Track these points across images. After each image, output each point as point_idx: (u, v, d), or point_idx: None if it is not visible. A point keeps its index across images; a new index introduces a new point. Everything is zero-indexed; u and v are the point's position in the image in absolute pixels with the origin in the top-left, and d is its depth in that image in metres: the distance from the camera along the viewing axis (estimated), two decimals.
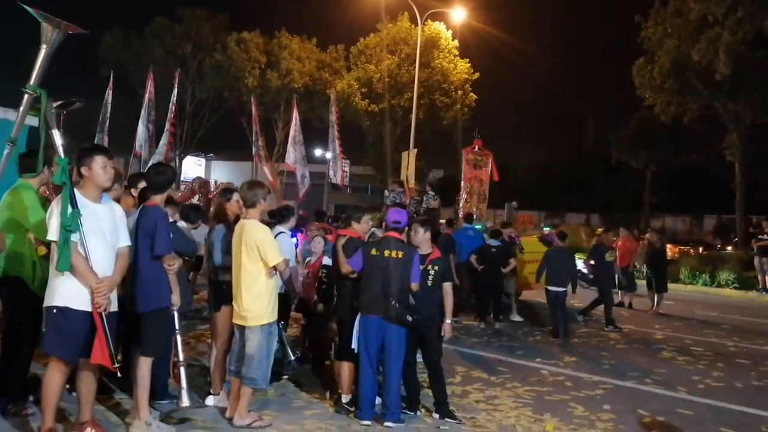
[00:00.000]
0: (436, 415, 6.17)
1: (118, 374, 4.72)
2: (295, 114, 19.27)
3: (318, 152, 48.36)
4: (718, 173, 36.51)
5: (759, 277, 18.64)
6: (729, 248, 26.89)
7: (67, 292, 4.53)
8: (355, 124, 35.89)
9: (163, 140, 16.80)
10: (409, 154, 19.80)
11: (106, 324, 4.52)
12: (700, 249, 27.09)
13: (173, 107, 17.02)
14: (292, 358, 6.83)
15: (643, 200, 42.03)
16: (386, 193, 17.68)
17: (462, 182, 16.57)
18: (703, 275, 20.25)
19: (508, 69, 62.53)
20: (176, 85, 17.50)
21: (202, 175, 44.81)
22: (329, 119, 20.57)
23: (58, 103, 4.69)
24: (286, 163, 19.07)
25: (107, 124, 19.17)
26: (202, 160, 46.36)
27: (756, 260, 18.66)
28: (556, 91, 68.37)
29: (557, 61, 77.94)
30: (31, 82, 4.47)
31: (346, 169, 42.66)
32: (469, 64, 35.20)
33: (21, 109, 4.58)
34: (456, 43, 34.79)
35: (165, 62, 33.95)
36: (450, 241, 11.33)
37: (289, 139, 18.85)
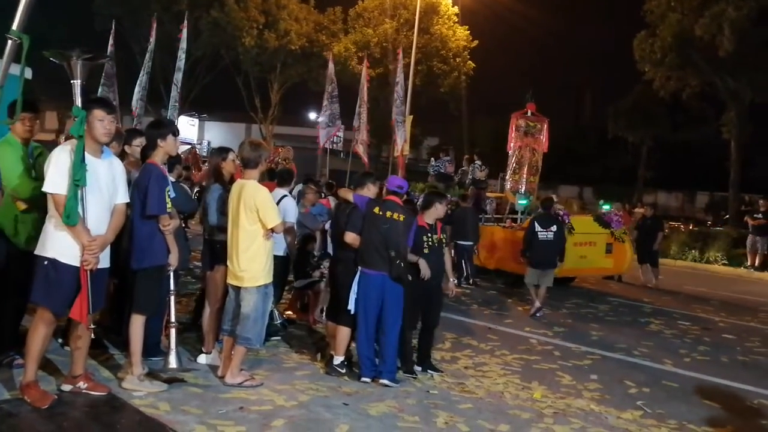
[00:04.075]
0: (419, 368, 6.45)
1: (92, 336, 4.76)
2: (365, 74, 18.43)
3: (312, 116, 48.14)
4: (714, 151, 36.53)
5: (749, 255, 18.75)
6: (720, 228, 27.01)
7: (58, 245, 4.54)
8: (350, 89, 35.59)
9: (174, 97, 16.33)
10: (404, 120, 19.55)
11: (89, 281, 4.52)
12: (691, 225, 27.23)
13: (181, 61, 16.39)
14: (279, 321, 6.90)
15: (637, 175, 42.08)
16: (432, 161, 17.24)
17: (509, 151, 14.50)
18: (693, 251, 20.39)
19: (507, 37, 61.90)
20: (185, 30, 16.83)
21: (195, 136, 44.40)
22: (398, 85, 18.57)
23: (87, 55, 4.56)
24: (354, 127, 17.77)
25: (115, 78, 18.57)
26: (196, 120, 45.96)
27: (749, 238, 18.75)
28: (556, 61, 67.78)
29: (558, 31, 77.24)
30: (14, 27, 4.28)
31: (340, 134, 42.21)
32: (468, 32, 34.89)
33: (5, 56, 4.46)
34: (456, 9, 34.44)
35: (161, 18, 33.45)
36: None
37: (359, 101, 17.78)
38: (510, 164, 14.20)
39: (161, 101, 28.68)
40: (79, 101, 4.53)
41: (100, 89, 17.88)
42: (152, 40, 17.89)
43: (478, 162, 15.51)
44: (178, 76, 16.29)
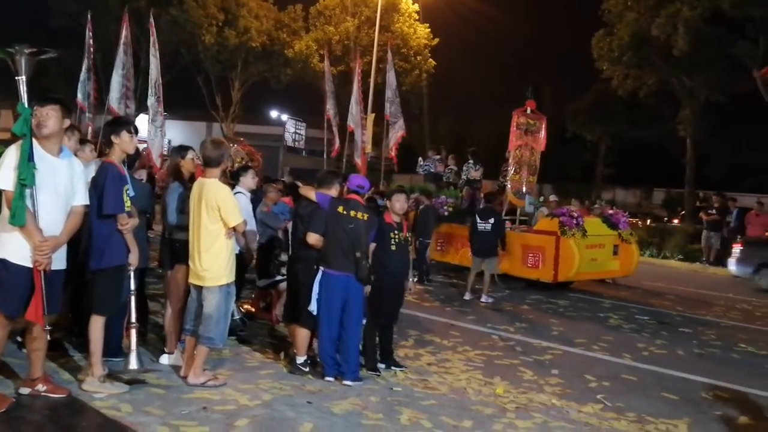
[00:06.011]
0: (382, 365, 6.49)
1: (48, 337, 4.70)
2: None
3: (274, 114, 47.87)
4: (670, 148, 37.22)
5: (704, 250, 19.14)
6: (676, 221, 27.54)
7: (9, 245, 4.46)
8: (312, 86, 35.51)
9: (153, 98, 15.82)
10: (366, 118, 19.45)
11: (44, 282, 4.45)
12: (648, 221, 27.72)
13: (156, 60, 15.93)
14: (237, 317, 6.87)
15: (596, 172, 42.67)
16: (420, 161, 16.87)
17: (509, 150, 13.78)
18: (650, 247, 20.73)
19: (467, 35, 62.29)
20: (153, 29, 16.34)
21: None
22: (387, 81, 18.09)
23: (31, 50, 4.46)
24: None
25: (91, 75, 17.88)
26: None
27: (704, 233, 19.12)
28: (515, 59, 68.40)
29: (517, 29, 77.82)
30: None
31: (302, 132, 41.71)
32: (429, 30, 35.04)
33: None
34: (416, 7, 34.57)
35: (119, 15, 32.91)
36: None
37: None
38: (510, 164, 13.71)
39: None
40: (25, 98, 4.43)
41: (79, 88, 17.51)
42: (125, 34, 17.36)
43: (472, 161, 15.00)
44: (158, 77, 15.86)
